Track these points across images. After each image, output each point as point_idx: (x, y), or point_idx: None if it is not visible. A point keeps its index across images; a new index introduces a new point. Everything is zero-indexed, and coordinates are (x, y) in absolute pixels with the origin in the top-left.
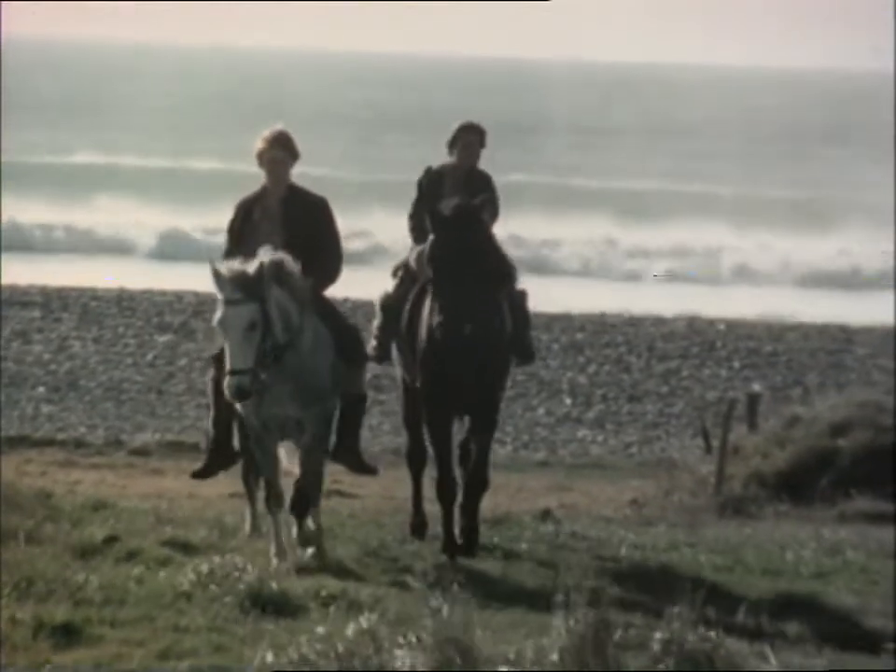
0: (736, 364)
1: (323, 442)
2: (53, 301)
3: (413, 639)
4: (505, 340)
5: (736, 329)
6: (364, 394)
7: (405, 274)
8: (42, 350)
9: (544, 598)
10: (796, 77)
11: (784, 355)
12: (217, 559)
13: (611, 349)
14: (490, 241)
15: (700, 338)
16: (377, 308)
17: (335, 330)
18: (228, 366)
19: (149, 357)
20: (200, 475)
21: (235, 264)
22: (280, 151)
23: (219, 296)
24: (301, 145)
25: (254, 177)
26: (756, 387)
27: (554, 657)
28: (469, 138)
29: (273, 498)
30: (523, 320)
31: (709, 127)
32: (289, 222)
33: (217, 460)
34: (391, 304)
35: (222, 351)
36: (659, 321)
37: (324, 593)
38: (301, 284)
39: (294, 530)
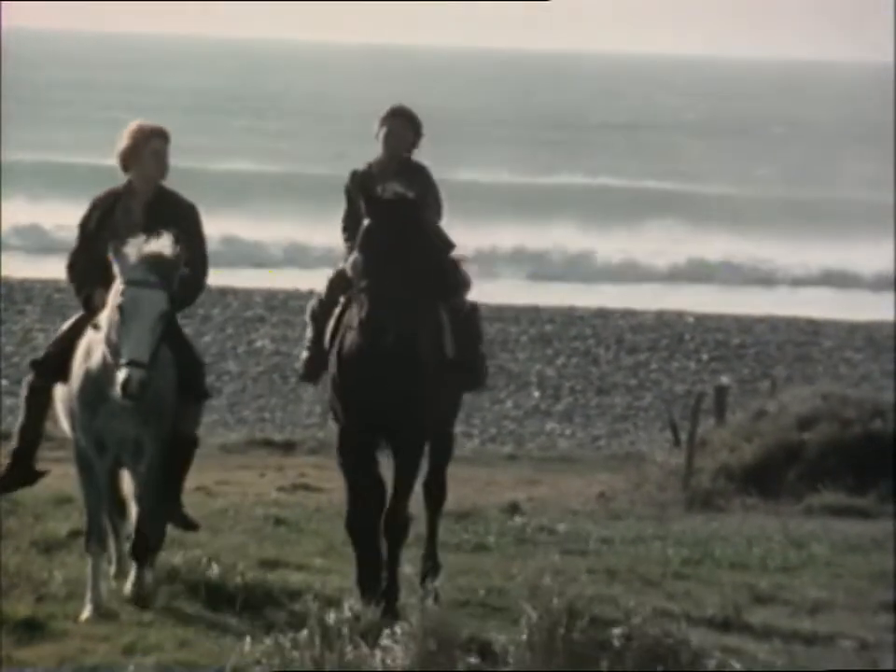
0: (705, 357)
1: (160, 471)
2: (16, 293)
3: (397, 631)
4: (443, 361)
5: (705, 322)
6: (196, 438)
7: (337, 279)
8: (5, 342)
9: (511, 593)
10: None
11: (752, 347)
12: (181, 554)
13: (580, 342)
14: (431, 240)
15: (669, 330)
16: (307, 319)
17: (178, 357)
18: (125, 356)
19: None
20: None
21: (142, 243)
22: (164, 143)
23: (125, 276)
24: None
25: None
26: (724, 380)
27: (524, 648)
28: (394, 124)
29: (96, 538)
30: (471, 339)
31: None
32: (151, 231)
33: (17, 474)
34: (322, 312)
35: (45, 356)
36: (628, 313)
37: (289, 587)
38: None
39: (130, 579)
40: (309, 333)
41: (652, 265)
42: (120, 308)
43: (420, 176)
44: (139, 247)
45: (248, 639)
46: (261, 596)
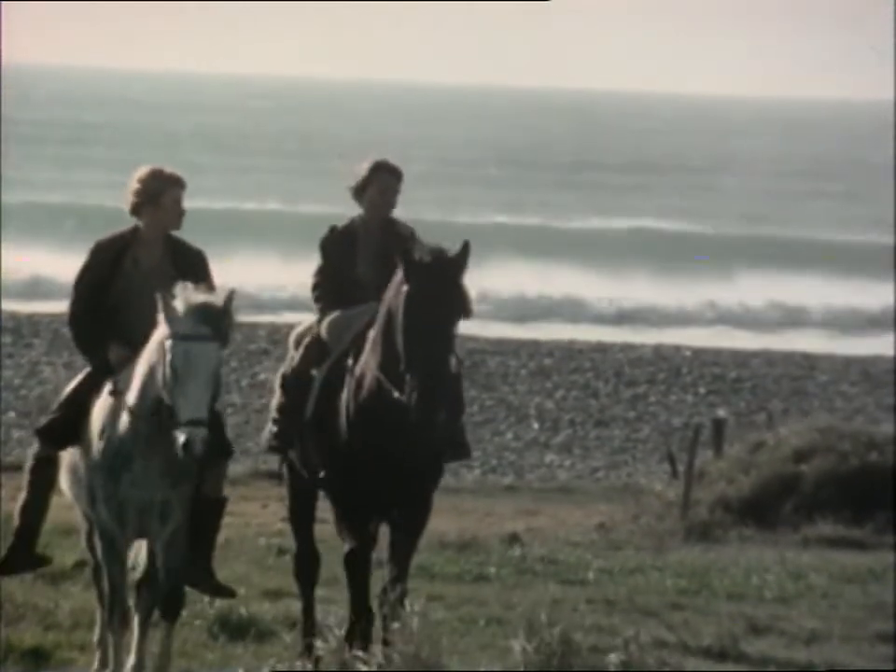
0: (702, 390)
1: (183, 532)
2: (24, 327)
3: (382, 658)
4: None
5: (702, 356)
6: (224, 498)
7: (313, 346)
8: (13, 375)
9: (511, 622)
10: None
11: (749, 381)
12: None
13: (579, 375)
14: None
15: (667, 364)
16: (276, 386)
17: None
18: (183, 416)
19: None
20: None
21: (190, 292)
22: (182, 190)
23: (176, 328)
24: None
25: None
26: (721, 413)
27: None
28: (386, 180)
29: (119, 616)
30: (458, 407)
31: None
32: (171, 283)
33: (20, 558)
34: (296, 381)
35: (52, 423)
36: (627, 347)
37: (292, 617)
38: None
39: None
40: (277, 402)
41: (654, 308)
42: (173, 366)
43: (408, 238)
44: (187, 298)
45: None
46: (264, 626)
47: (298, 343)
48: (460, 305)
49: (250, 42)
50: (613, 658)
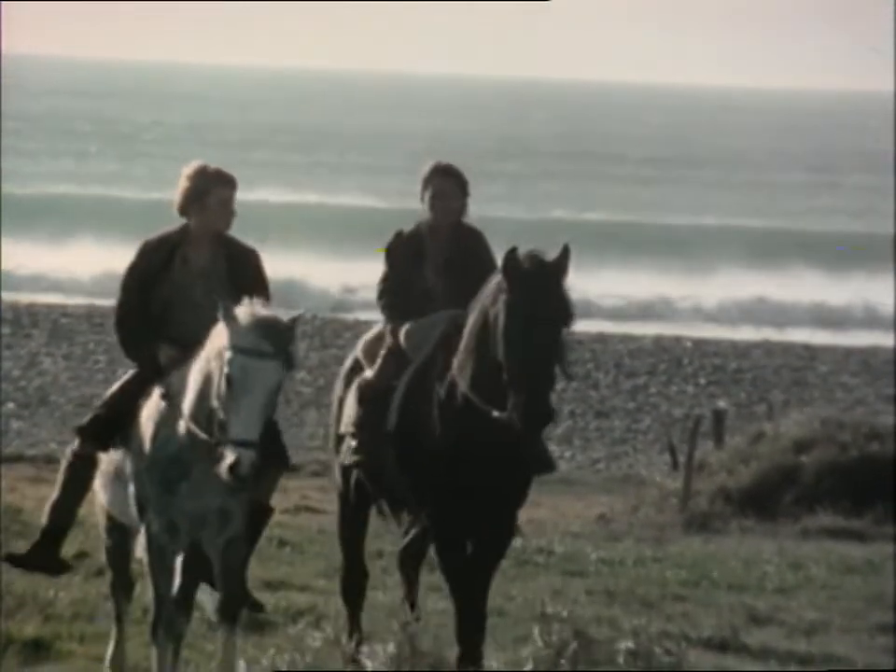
0: (703, 381)
1: (241, 537)
2: (23, 318)
3: (383, 651)
4: None
5: (703, 347)
6: (271, 508)
7: (391, 357)
8: (12, 366)
9: (511, 613)
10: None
11: (749, 372)
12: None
13: (579, 366)
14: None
15: (667, 355)
16: (352, 400)
17: None
18: (234, 434)
19: (119, 372)
20: (16, 561)
21: (257, 306)
22: (232, 191)
23: (236, 341)
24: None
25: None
26: (722, 404)
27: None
28: (442, 184)
29: (165, 627)
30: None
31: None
32: (223, 283)
33: (41, 557)
34: (376, 394)
35: (94, 420)
36: (627, 338)
37: (293, 608)
38: None
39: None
40: (355, 416)
41: (650, 302)
42: (228, 379)
43: (477, 242)
44: (253, 311)
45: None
46: (265, 617)
47: (367, 352)
48: (564, 313)
49: (248, 35)
50: (622, 646)
